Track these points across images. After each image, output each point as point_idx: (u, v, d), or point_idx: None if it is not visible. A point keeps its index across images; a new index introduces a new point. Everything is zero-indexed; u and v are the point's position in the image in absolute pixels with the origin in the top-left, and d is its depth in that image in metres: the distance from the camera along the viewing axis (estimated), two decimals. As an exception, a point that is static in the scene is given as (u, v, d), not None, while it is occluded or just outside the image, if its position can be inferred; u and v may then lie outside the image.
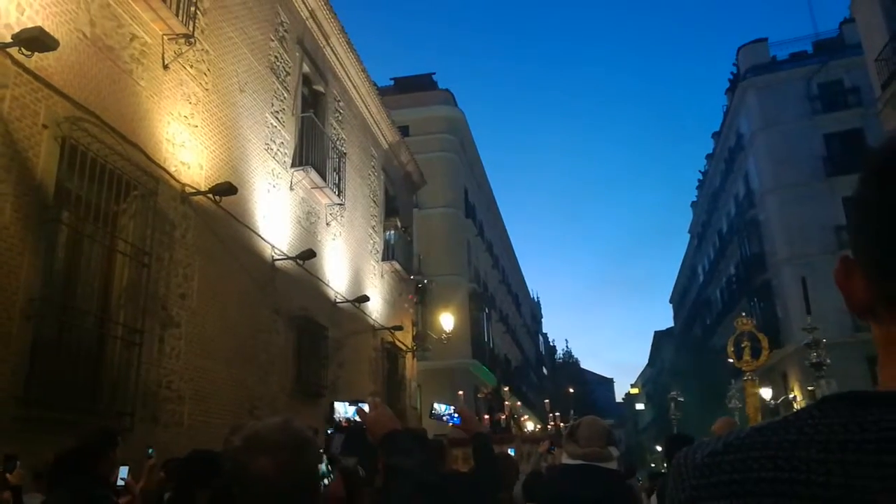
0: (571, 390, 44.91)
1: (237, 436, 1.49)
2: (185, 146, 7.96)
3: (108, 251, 6.72)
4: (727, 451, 0.59)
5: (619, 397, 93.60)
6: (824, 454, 0.53)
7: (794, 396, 23.43)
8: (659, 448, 31.10)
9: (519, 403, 26.31)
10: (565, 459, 3.35)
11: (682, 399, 24.35)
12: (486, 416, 16.95)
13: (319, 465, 1.53)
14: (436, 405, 3.23)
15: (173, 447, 6.88)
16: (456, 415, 3.18)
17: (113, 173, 6.63)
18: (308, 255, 10.38)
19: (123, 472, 3.39)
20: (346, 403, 2.27)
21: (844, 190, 25.89)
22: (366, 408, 2.03)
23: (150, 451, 4.58)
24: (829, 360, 7.47)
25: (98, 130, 6.51)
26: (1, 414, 5.09)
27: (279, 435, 1.45)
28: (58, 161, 5.93)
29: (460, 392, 16.62)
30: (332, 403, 2.25)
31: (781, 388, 25.24)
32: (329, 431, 2.18)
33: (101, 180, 6.44)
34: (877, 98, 17.65)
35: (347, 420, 2.20)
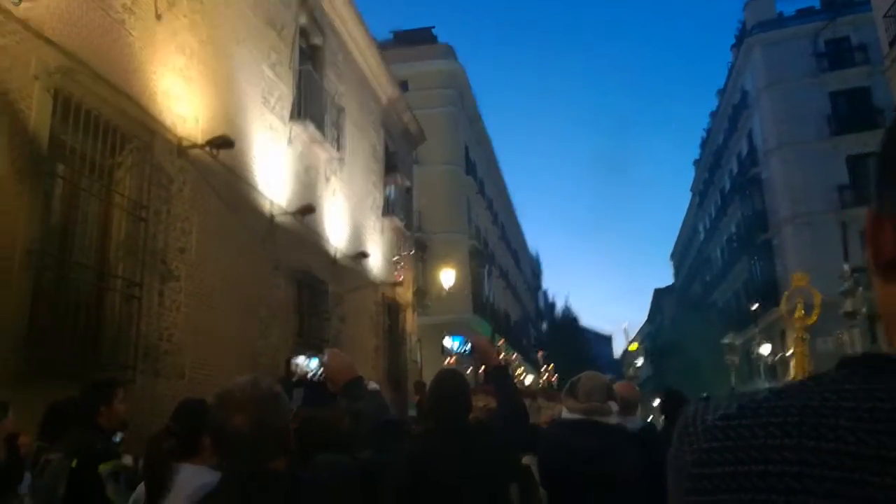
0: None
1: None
2: (180, 99, 7.82)
3: (104, 205, 6.66)
4: (743, 415, 0.55)
5: (617, 354, 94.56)
6: (854, 422, 0.49)
7: (792, 353, 23.64)
8: (655, 403, 31.54)
9: (515, 356, 26.50)
10: (565, 414, 3.35)
11: (737, 342, 24.22)
12: (482, 369, 17.06)
13: (289, 418, 1.61)
14: (446, 339, 3.02)
15: (174, 399, 6.93)
16: (469, 347, 3.00)
17: (107, 126, 6.52)
18: (307, 210, 10.31)
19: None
20: (304, 357, 2.30)
21: (849, 149, 25.70)
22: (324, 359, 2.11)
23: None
24: (864, 310, 7.54)
25: (91, 82, 6.37)
26: (3, 365, 5.10)
27: (250, 392, 1.56)
28: (51, 113, 5.82)
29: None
30: (289, 359, 2.27)
31: (779, 345, 25.43)
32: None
33: (95, 133, 6.34)
34: (884, 56, 17.32)
35: (308, 374, 2.24)
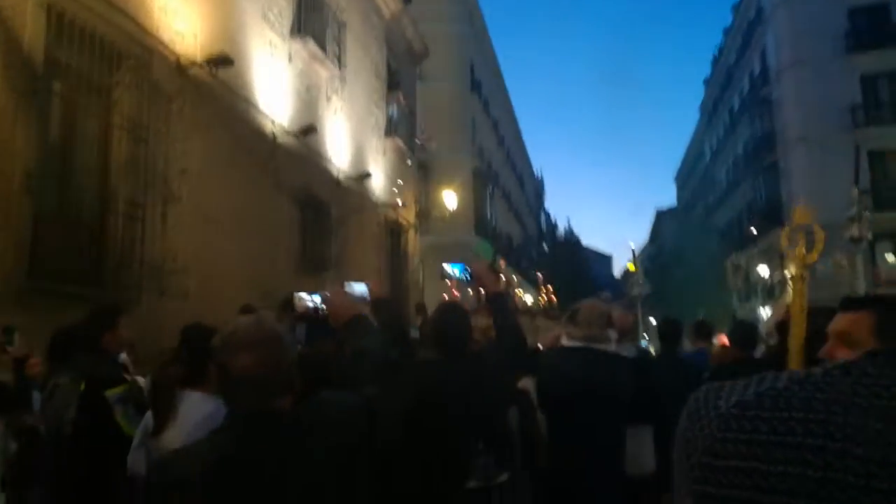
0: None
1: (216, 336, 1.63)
2: (177, 14, 7.57)
3: (103, 125, 6.56)
4: (761, 405, 0.50)
5: (617, 273, 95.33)
6: (885, 424, 0.45)
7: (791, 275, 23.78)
8: (653, 320, 32.14)
9: (515, 277, 26.67)
10: (565, 341, 3.40)
11: (742, 263, 24.40)
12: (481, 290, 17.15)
13: (293, 357, 1.64)
14: (445, 265, 3.04)
15: (179, 318, 7.03)
16: (469, 274, 3.03)
17: (104, 43, 6.34)
18: (309, 130, 10.17)
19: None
20: (306, 293, 2.30)
21: (864, 67, 25.03)
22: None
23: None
24: (870, 236, 7.50)
25: (85, -4, 6.16)
26: (8, 287, 5.16)
27: (254, 332, 1.57)
28: (45, 29, 5.66)
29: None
30: (292, 294, 2.28)
31: (778, 266, 25.57)
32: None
33: (91, 50, 6.17)
34: (909, -32, 16.65)
35: (313, 308, 2.24)
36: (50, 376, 3.15)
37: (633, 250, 23.91)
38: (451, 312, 2.85)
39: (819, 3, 25.66)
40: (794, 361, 2.43)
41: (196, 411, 2.42)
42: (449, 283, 11.40)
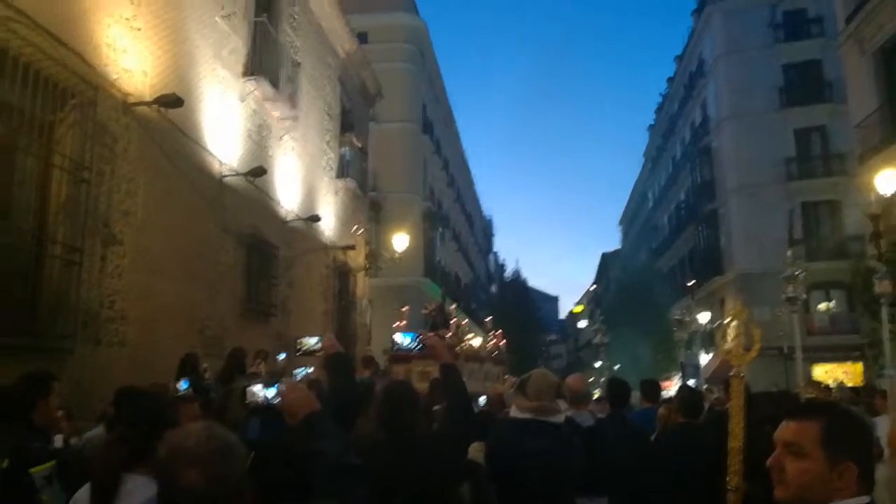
0: None
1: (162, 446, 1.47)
2: (126, 51, 7.42)
3: (43, 165, 6.32)
4: None
5: (562, 314, 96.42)
6: None
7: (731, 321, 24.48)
8: (596, 365, 32.52)
9: (465, 321, 26.56)
10: (514, 412, 3.37)
11: (686, 318, 25.12)
12: (431, 334, 16.88)
13: (245, 467, 1.52)
14: (397, 336, 3.11)
15: (116, 368, 6.76)
16: (420, 344, 3.07)
17: (48, 80, 6.15)
18: (258, 172, 10.02)
19: None
20: (262, 385, 2.23)
21: (797, 122, 26.28)
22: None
23: None
24: (804, 295, 7.85)
25: (30, 32, 5.98)
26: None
27: (204, 444, 1.44)
28: (-15, 65, 5.46)
29: (405, 308, 16.70)
30: (245, 389, 2.19)
31: (719, 313, 26.25)
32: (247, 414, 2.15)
33: (34, 87, 5.97)
34: (839, 31, 17.62)
35: (265, 402, 2.16)
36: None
37: (591, 291, 24.32)
38: (400, 396, 2.80)
39: (757, 58, 26.89)
40: (734, 462, 2.45)
41: (137, 495, 2.27)
42: (397, 325, 11.20)
